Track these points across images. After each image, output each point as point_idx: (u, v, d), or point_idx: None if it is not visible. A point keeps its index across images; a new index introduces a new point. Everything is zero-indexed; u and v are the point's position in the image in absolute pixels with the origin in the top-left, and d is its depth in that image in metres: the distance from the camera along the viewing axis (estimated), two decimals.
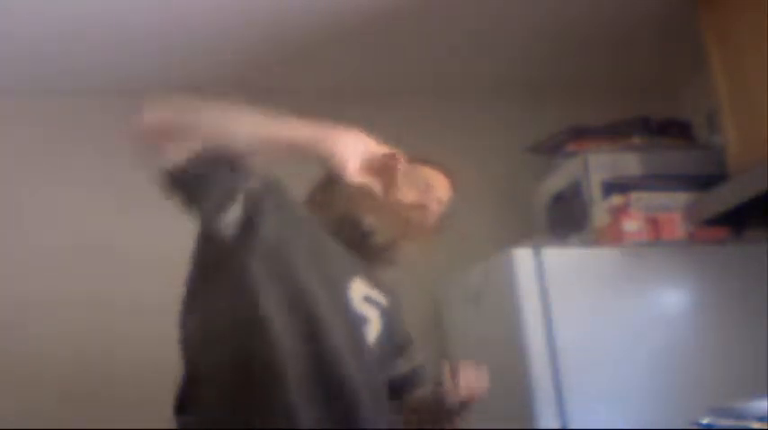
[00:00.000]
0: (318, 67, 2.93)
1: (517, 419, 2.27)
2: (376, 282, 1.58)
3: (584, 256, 2.42)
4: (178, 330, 1.48)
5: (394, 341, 1.61)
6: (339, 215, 1.54)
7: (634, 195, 2.51)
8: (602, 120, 2.80)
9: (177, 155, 1.34)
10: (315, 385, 1.37)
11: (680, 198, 2.46)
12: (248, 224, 1.39)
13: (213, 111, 1.38)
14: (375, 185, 1.40)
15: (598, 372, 2.28)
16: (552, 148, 2.84)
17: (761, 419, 1.73)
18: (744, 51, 2.28)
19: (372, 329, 1.52)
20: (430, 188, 1.63)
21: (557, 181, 2.82)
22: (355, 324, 1.49)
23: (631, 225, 2.45)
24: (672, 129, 2.85)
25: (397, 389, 1.62)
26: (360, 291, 1.53)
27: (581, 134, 2.76)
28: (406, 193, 1.58)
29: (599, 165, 2.64)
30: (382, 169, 1.40)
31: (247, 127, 1.37)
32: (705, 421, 1.82)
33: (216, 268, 1.43)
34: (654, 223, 2.46)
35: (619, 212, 2.49)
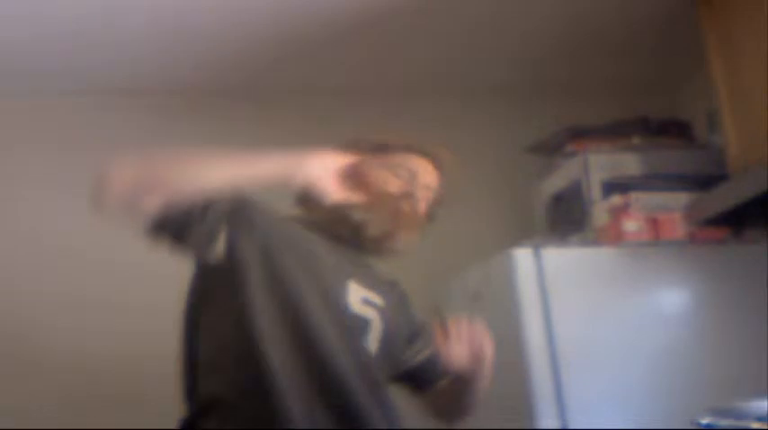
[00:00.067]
0: (318, 67, 2.93)
1: (517, 419, 2.27)
2: (372, 283, 1.58)
3: (584, 256, 2.41)
4: (181, 359, 1.51)
5: (402, 334, 1.61)
6: (328, 212, 1.54)
7: (634, 195, 2.51)
8: (602, 120, 2.80)
9: (153, 207, 1.36)
10: (313, 396, 1.40)
11: (680, 198, 2.46)
12: (235, 247, 1.43)
13: (183, 165, 1.38)
14: (354, 196, 1.47)
15: (598, 372, 2.27)
16: (552, 148, 2.84)
17: (761, 419, 1.73)
18: (744, 51, 2.28)
19: (374, 330, 1.53)
20: (415, 175, 1.62)
21: (557, 181, 2.82)
22: (354, 329, 1.49)
23: (631, 225, 2.45)
24: (672, 129, 2.86)
25: (422, 377, 1.63)
26: (357, 294, 1.53)
27: (581, 134, 2.76)
28: (392, 183, 1.59)
29: (599, 165, 2.64)
30: (356, 178, 1.46)
31: (218, 175, 1.38)
32: (705, 421, 1.82)
33: (212, 295, 1.47)
34: (654, 223, 2.46)
35: (619, 212, 2.49)
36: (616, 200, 2.52)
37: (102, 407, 2.60)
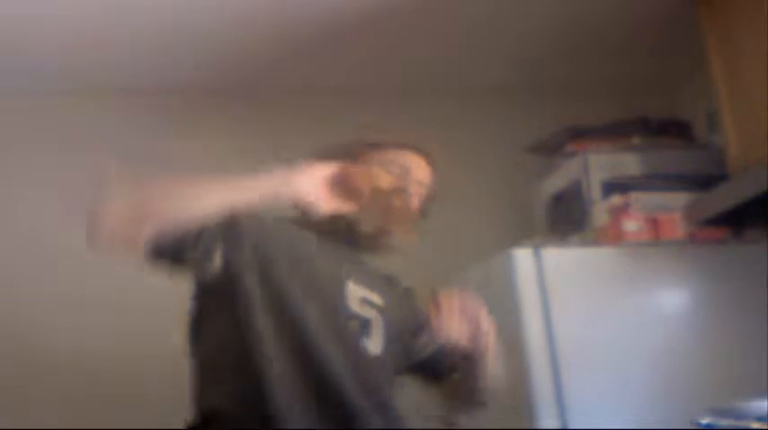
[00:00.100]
0: (318, 68, 2.93)
1: (517, 419, 2.27)
2: (371, 282, 1.58)
3: (583, 256, 2.41)
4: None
5: (408, 328, 1.61)
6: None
7: (634, 195, 2.50)
8: (602, 120, 2.80)
9: (148, 238, 1.38)
10: (311, 405, 1.41)
11: (680, 198, 2.45)
12: (230, 262, 1.44)
13: (173, 195, 1.41)
14: (345, 205, 1.49)
15: (598, 372, 2.27)
16: (552, 148, 2.84)
17: (761, 419, 1.73)
18: (744, 51, 2.28)
19: (376, 329, 1.53)
20: (407, 171, 1.63)
21: (557, 181, 2.82)
22: (353, 332, 1.49)
23: (631, 225, 2.45)
24: (672, 129, 2.85)
25: (434, 367, 1.63)
26: (356, 294, 1.54)
27: (581, 134, 2.76)
28: (383, 179, 1.60)
29: (599, 165, 2.64)
30: (345, 184, 1.49)
31: (208, 202, 1.40)
32: (705, 421, 1.82)
33: (210, 310, 1.49)
34: (654, 223, 2.46)
35: (619, 212, 2.49)
36: (616, 200, 2.52)
37: (102, 407, 2.60)
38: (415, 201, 1.63)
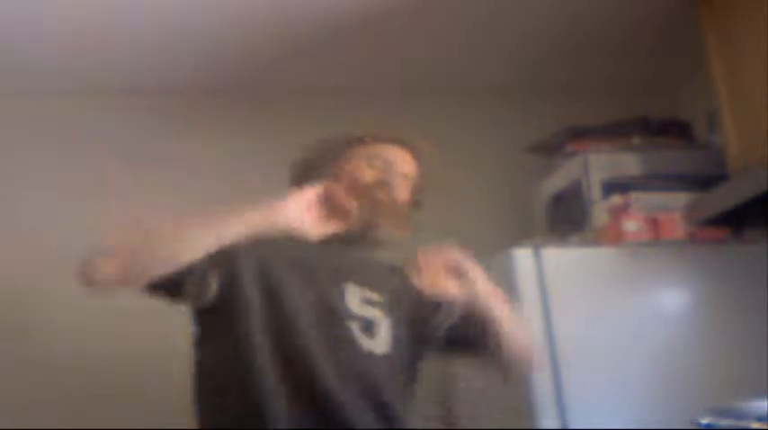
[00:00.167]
0: (318, 68, 2.93)
1: (517, 419, 2.27)
2: (371, 280, 1.58)
3: (583, 256, 2.41)
4: None
5: (419, 315, 1.60)
6: None
7: (634, 195, 2.50)
8: (602, 120, 2.80)
9: (142, 281, 1.42)
10: (305, 412, 1.43)
11: (680, 198, 2.45)
12: (226, 285, 1.47)
13: (163, 240, 1.43)
14: (332, 225, 1.50)
15: (598, 372, 2.27)
16: (552, 148, 2.84)
17: (761, 419, 1.73)
18: (744, 51, 2.28)
19: (381, 328, 1.53)
20: (390, 165, 1.62)
21: (557, 181, 2.82)
22: (353, 333, 1.49)
23: (631, 225, 2.45)
24: (672, 129, 2.85)
25: (461, 340, 1.61)
26: (356, 295, 1.54)
27: (581, 134, 2.76)
28: (366, 174, 1.60)
29: (599, 165, 2.64)
30: (331, 203, 1.49)
31: (199, 244, 1.41)
32: (705, 421, 1.82)
33: (208, 333, 1.52)
34: (654, 223, 2.46)
35: (619, 212, 2.49)
36: (616, 200, 2.52)
37: (102, 407, 2.60)
38: (402, 194, 1.62)
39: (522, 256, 2.34)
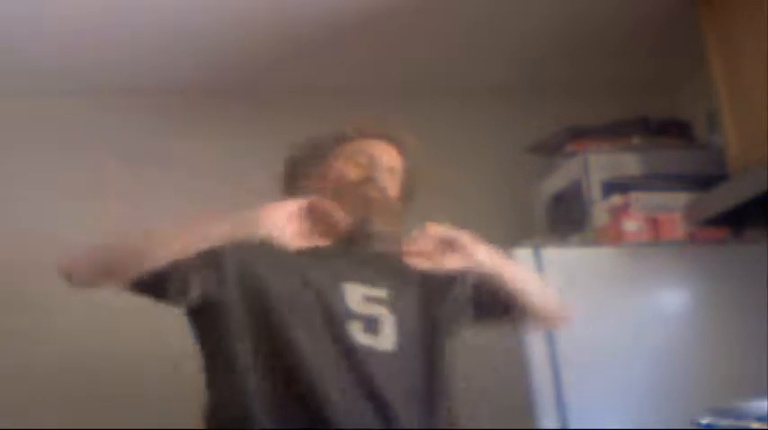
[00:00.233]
0: (318, 68, 2.93)
1: (517, 419, 2.27)
2: (372, 277, 1.57)
3: (584, 256, 2.41)
4: None
5: (432, 300, 1.60)
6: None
7: (634, 195, 2.51)
8: (602, 120, 2.80)
9: (121, 282, 1.43)
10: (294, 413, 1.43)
11: (680, 198, 2.45)
12: (209, 290, 1.47)
13: (134, 243, 1.44)
14: (315, 238, 1.50)
15: (598, 372, 2.27)
16: (552, 148, 2.84)
17: (761, 419, 1.73)
18: (744, 51, 2.28)
19: (386, 324, 1.52)
20: (375, 160, 1.62)
21: (557, 181, 2.82)
22: (353, 333, 1.49)
23: (631, 225, 2.45)
24: (672, 129, 2.85)
25: (489, 308, 1.61)
26: (357, 294, 1.53)
27: (581, 134, 2.76)
28: (352, 172, 1.60)
29: (599, 165, 2.64)
30: (313, 214, 1.48)
31: (175, 248, 1.41)
32: (705, 421, 1.82)
33: (200, 329, 1.52)
34: (654, 223, 2.46)
35: (619, 212, 2.49)
36: (616, 200, 2.52)
37: (102, 407, 2.60)
38: (390, 189, 1.62)
39: (522, 256, 2.33)
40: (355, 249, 1.59)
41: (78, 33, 2.57)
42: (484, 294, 1.59)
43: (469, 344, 2.62)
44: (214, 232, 1.42)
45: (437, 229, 1.49)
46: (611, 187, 2.58)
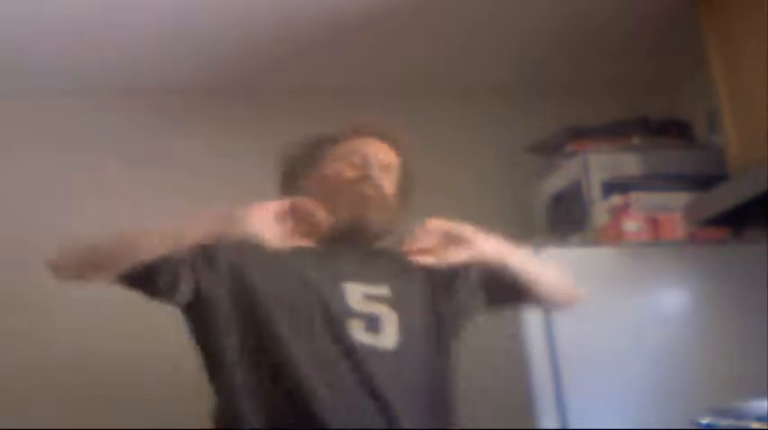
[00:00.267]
0: (318, 68, 2.93)
1: (517, 419, 2.27)
2: (373, 275, 1.57)
3: (583, 256, 2.41)
4: None
5: (437, 295, 1.60)
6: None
7: (634, 195, 2.51)
8: (602, 120, 2.80)
9: (105, 278, 1.44)
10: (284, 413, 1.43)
11: (680, 198, 2.45)
12: (200, 288, 1.47)
13: (123, 240, 1.45)
14: (299, 238, 1.50)
15: (598, 372, 2.27)
16: (552, 148, 2.84)
17: (761, 419, 1.73)
18: (744, 51, 2.28)
19: (388, 322, 1.52)
20: (369, 158, 1.62)
21: (557, 181, 2.82)
22: (353, 332, 1.49)
23: (631, 225, 2.45)
24: (672, 129, 2.85)
25: (503, 291, 1.62)
26: (357, 293, 1.53)
27: (581, 134, 2.76)
28: (347, 171, 1.60)
29: (599, 165, 2.64)
30: (296, 213, 1.48)
31: (157, 245, 1.42)
32: (705, 421, 1.82)
33: (192, 326, 1.52)
34: (654, 223, 2.46)
35: (619, 212, 2.49)
36: (616, 200, 2.52)
37: (102, 407, 2.60)
38: (386, 186, 1.62)
39: None
40: (355, 248, 1.59)
41: (78, 33, 2.57)
42: (493, 281, 1.60)
43: (469, 345, 2.62)
44: (199, 229, 1.43)
45: (438, 224, 1.49)
46: (611, 187, 2.58)
